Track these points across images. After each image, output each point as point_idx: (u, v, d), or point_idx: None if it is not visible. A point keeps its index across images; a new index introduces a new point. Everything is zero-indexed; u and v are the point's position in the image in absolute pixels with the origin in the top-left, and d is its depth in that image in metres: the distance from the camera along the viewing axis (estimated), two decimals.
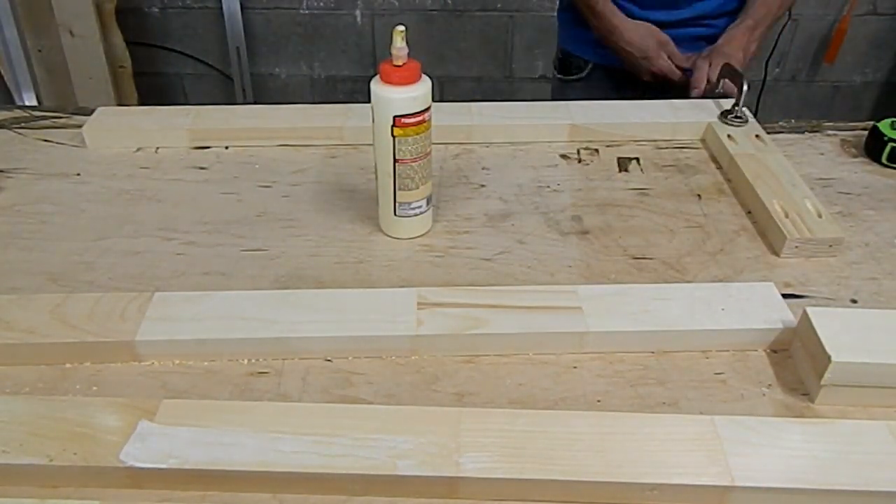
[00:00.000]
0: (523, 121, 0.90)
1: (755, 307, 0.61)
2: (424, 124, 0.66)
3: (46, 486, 0.49)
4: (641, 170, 0.85)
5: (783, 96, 2.30)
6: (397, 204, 0.70)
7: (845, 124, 0.94)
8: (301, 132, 0.88)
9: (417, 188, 0.69)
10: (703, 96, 1.03)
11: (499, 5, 2.13)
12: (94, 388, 0.56)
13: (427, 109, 0.65)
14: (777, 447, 0.48)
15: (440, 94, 2.25)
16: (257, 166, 0.85)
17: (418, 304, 0.60)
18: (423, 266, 0.69)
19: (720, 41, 1.10)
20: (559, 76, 1.31)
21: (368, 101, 0.66)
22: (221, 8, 2.11)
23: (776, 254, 0.71)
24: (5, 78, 1.88)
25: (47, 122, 0.92)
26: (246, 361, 0.59)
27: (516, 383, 0.57)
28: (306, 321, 0.59)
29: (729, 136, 0.86)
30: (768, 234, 0.73)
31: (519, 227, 0.75)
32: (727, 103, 0.92)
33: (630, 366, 0.59)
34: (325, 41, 2.21)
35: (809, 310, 0.57)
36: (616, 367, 0.59)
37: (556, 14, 1.31)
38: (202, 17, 2.18)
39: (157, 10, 2.16)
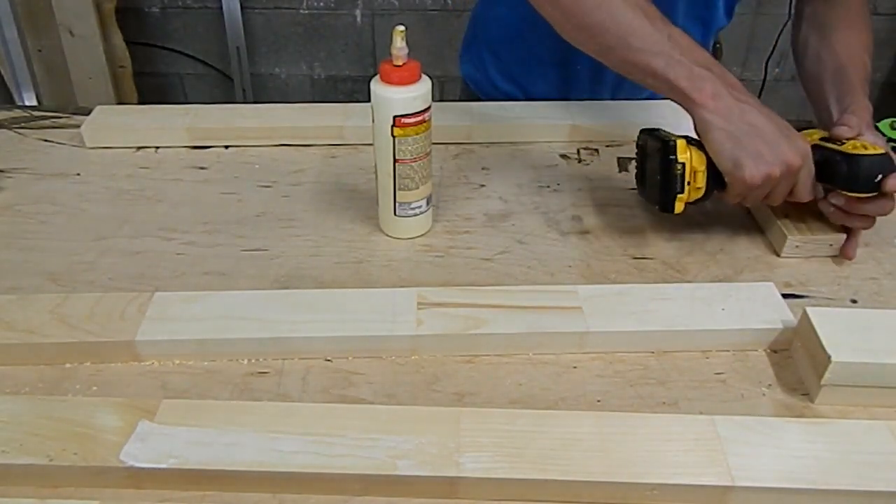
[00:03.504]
0: (523, 121, 0.90)
1: (755, 307, 0.61)
2: (424, 124, 0.66)
3: (46, 486, 0.49)
4: None
5: (783, 96, 2.30)
6: (397, 204, 0.70)
7: None
8: (301, 132, 0.88)
9: (417, 188, 0.69)
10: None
11: None
12: (94, 388, 0.56)
13: (427, 109, 0.65)
14: (777, 447, 0.48)
15: (440, 94, 2.25)
16: (257, 166, 0.85)
17: (418, 304, 0.60)
18: (423, 266, 0.69)
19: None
20: None
21: (368, 101, 0.66)
22: (221, 8, 2.11)
23: (776, 253, 0.71)
24: (5, 78, 1.88)
25: (47, 122, 0.92)
26: (246, 361, 0.59)
27: (516, 383, 0.57)
28: (306, 321, 0.59)
29: None
30: (769, 234, 0.73)
31: (519, 227, 0.75)
32: None
33: (630, 366, 0.59)
34: (325, 41, 2.21)
35: (809, 310, 0.57)
36: (616, 367, 0.59)
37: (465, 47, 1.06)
38: (202, 17, 2.17)
39: (157, 10, 2.16)
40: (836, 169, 0.66)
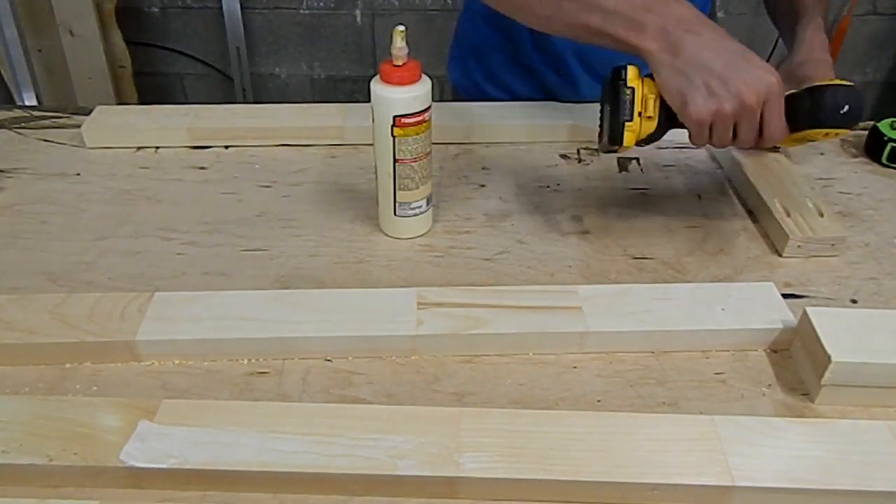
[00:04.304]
0: (523, 121, 0.90)
1: (755, 307, 0.61)
2: (424, 124, 0.66)
3: (46, 486, 0.49)
4: (641, 170, 0.85)
5: None
6: (397, 204, 0.70)
7: None
8: (301, 132, 0.88)
9: (417, 188, 0.69)
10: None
11: None
12: (94, 388, 0.56)
13: (427, 109, 0.65)
14: (777, 447, 0.48)
15: (440, 94, 2.25)
16: (257, 166, 0.85)
17: (418, 304, 0.60)
18: (423, 266, 0.69)
19: (799, 58, 0.76)
20: None
21: (368, 101, 0.66)
22: (221, 8, 2.11)
23: (777, 253, 0.71)
24: (5, 78, 1.88)
25: (47, 122, 0.92)
26: (246, 361, 0.59)
27: (516, 383, 0.57)
28: (306, 321, 0.59)
29: None
30: (770, 234, 0.73)
31: (519, 227, 0.75)
32: None
33: (630, 366, 0.59)
34: (325, 41, 2.21)
35: (809, 310, 0.57)
36: (616, 367, 0.59)
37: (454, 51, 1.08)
38: (202, 17, 2.17)
39: (157, 10, 2.16)
40: (799, 104, 0.62)
